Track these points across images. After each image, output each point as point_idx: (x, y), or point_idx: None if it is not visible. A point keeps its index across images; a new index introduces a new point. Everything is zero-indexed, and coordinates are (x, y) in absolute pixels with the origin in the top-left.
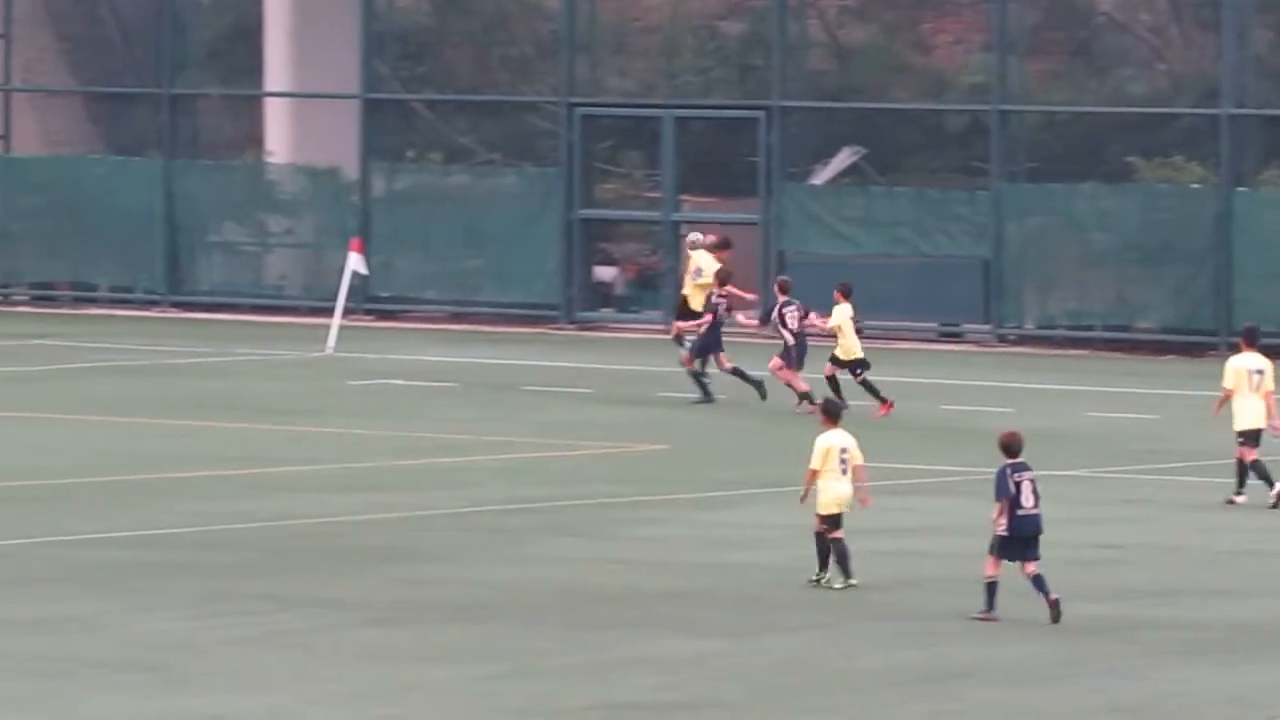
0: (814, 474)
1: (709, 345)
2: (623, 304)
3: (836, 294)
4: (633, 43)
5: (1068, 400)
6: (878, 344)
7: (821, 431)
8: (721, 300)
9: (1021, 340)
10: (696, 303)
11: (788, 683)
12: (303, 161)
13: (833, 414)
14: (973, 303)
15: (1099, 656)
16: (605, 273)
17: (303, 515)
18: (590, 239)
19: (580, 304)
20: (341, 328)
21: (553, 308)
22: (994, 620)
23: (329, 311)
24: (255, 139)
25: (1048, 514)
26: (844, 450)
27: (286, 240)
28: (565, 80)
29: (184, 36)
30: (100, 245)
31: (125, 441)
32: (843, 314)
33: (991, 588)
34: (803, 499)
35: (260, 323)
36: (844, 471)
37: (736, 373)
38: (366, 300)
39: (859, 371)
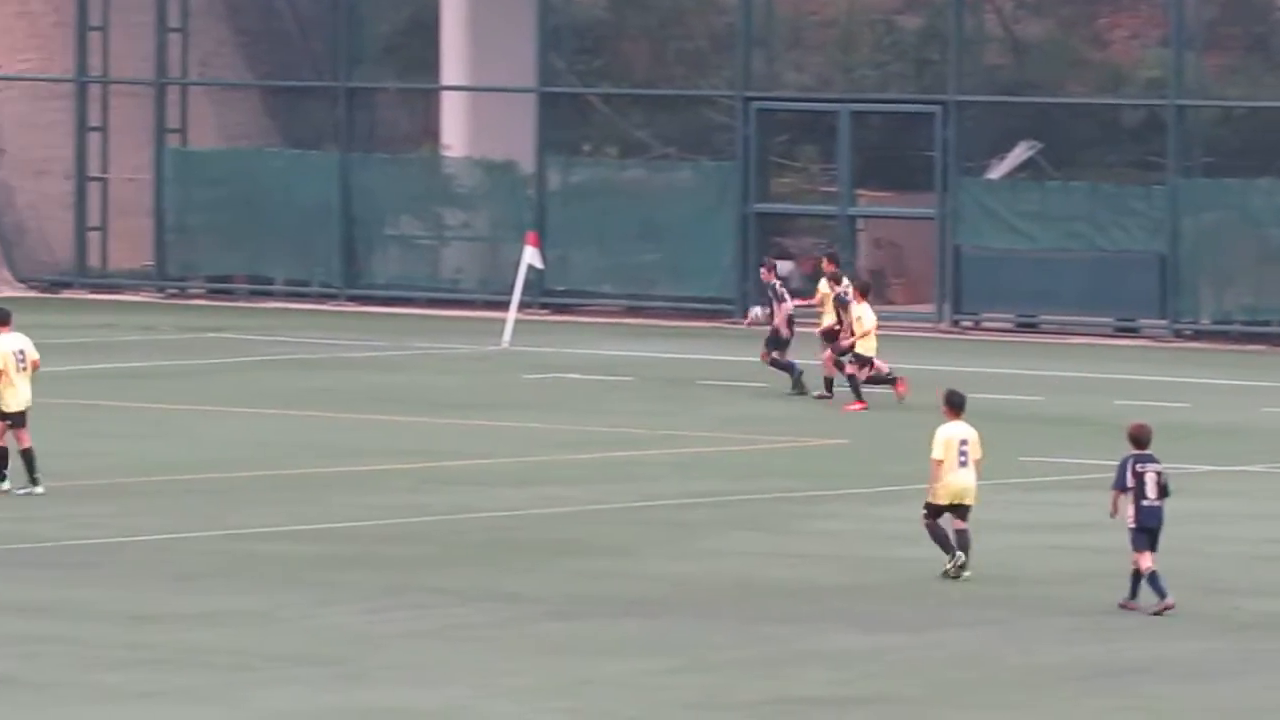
0: (939, 465)
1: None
2: (798, 298)
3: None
4: (809, 36)
5: (1244, 395)
6: (1052, 339)
7: (942, 423)
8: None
9: (1197, 335)
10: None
11: (964, 677)
12: (479, 155)
13: (955, 405)
14: (1148, 298)
15: (1275, 653)
16: (782, 267)
17: (478, 509)
18: (766, 233)
19: (755, 298)
20: (517, 322)
21: (728, 302)
22: (1133, 609)
23: (504, 305)
24: (431, 132)
25: (1224, 510)
26: (964, 442)
27: (462, 234)
28: (741, 74)
29: (361, 30)
30: (276, 238)
31: (300, 435)
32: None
33: (1138, 577)
34: (929, 489)
35: (436, 316)
36: (963, 463)
37: (775, 363)
38: (542, 294)
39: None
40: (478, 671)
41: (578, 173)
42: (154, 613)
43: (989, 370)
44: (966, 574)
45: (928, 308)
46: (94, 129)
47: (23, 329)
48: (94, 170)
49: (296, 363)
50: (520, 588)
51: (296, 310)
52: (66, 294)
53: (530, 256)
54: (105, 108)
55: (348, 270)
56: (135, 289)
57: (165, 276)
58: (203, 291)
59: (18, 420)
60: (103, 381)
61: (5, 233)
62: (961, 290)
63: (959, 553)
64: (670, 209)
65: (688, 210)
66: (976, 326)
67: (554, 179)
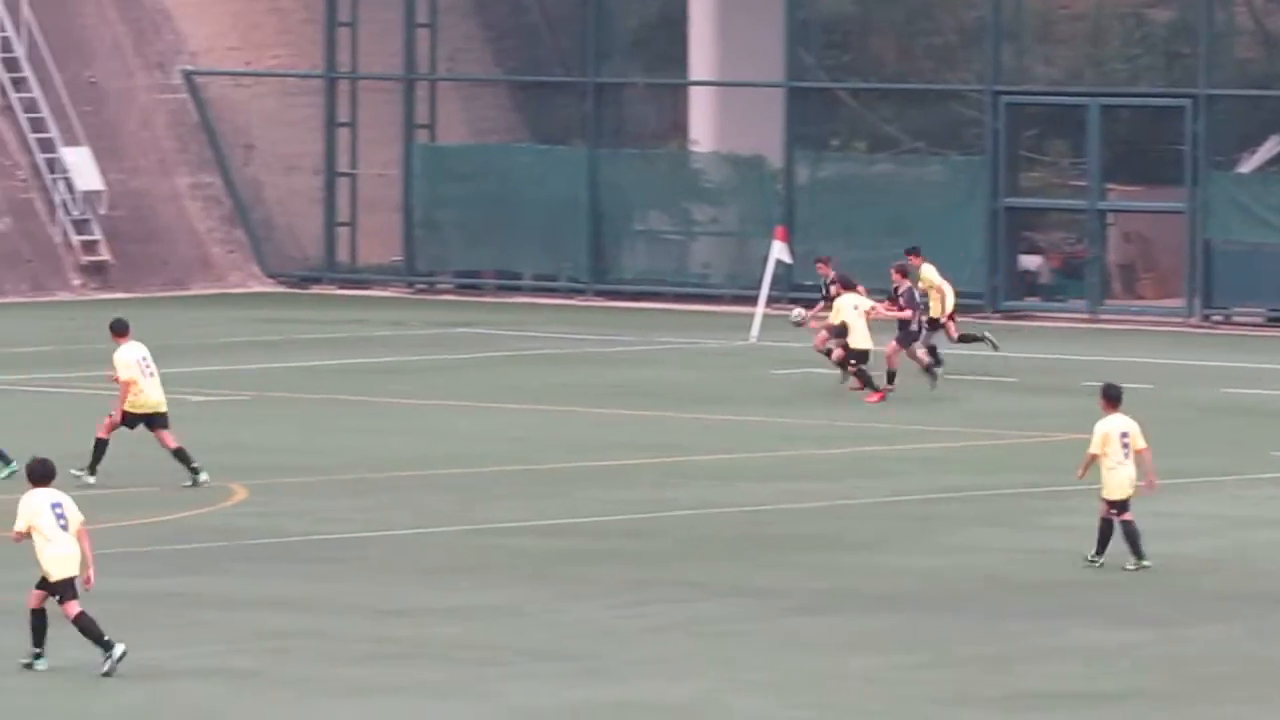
0: (1093, 458)
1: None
2: (1048, 293)
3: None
4: (1059, 30)
5: None
6: None
7: (1101, 416)
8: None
9: None
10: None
11: (1216, 673)
12: (726, 150)
13: (1113, 398)
14: None
15: None
16: (1030, 261)
17: (725, 504)
18: (1015, 228)
19: (1005, 293)
20: (765, 316)
21: (977, 296)
22: None
23: (752, 300)
24: (679, 127)
25: None
26: (1124, 434)
27: (710, 229)
28: (990, 68)
29: (609, 25)
30: (524, 234)
31: (547, 429)
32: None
33: None
34: (1080, 476)
35: (683, 311)
36: (1126, 455)
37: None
38: (790, 289)
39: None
40: (724, 666)
41: (826, 167)
42: (400, 607)
43: (1239, 365)
44: (1146, 563)
45: (1177, 302)
46: (343, 125)
47: (272, 324)
48: (343, 166)
49: (544, 358)
50: (766, 582)
51: (544, 305)
52: (315, 289)
53: (778, 251)
54: (354, 103)
55: (595, 265)
56: (384, 284)
57: (414, 272)
58: (451, 287)
59: (157, 423)
60: (352, 377)
61: (254, 228)
62: (1212, 284)
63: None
64: (919, 203)
65: (936, 205)
66: (1227, 321)
67: (802, 174)
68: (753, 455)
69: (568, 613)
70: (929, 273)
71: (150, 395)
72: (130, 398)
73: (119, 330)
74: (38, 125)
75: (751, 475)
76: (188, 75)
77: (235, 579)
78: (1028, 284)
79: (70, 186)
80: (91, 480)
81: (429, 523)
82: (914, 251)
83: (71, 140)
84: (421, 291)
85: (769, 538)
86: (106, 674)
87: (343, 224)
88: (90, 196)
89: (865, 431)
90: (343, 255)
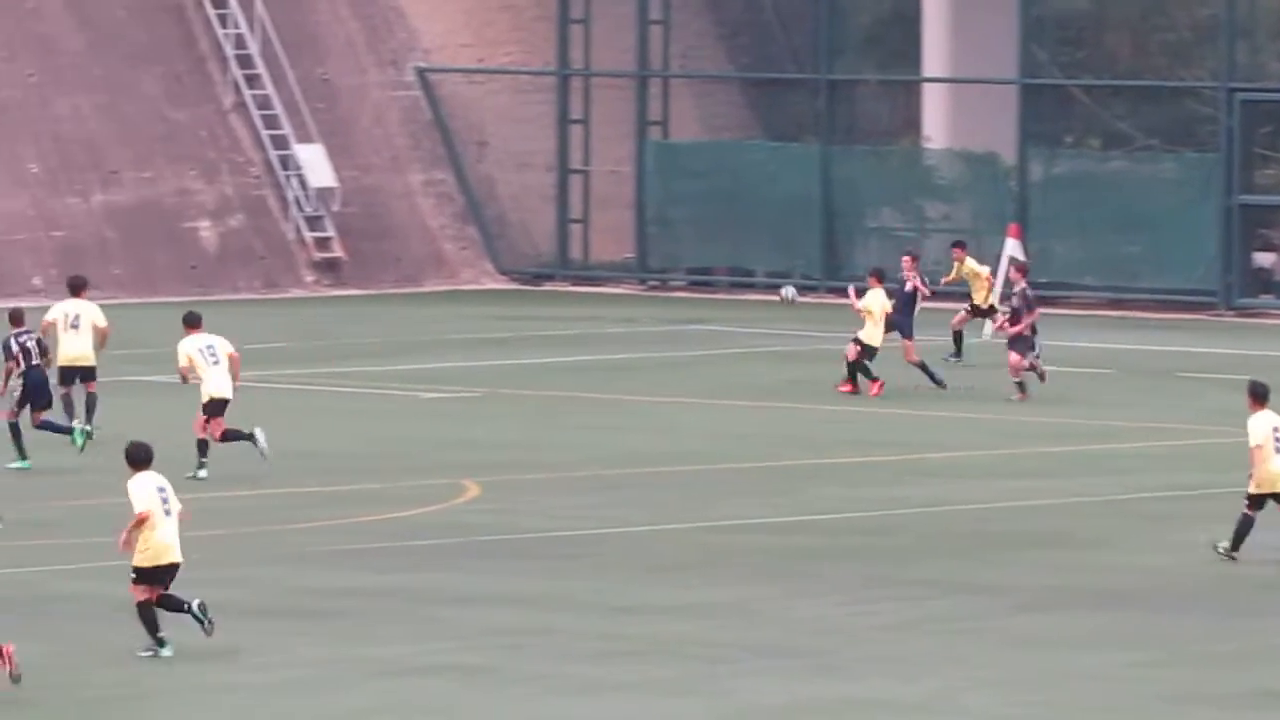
0: (1258, 450)
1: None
2: None
3: (872, 279)
4: None
5: None
6: None
7: (1251, 414)
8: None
9: None
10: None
11: None
12: (959, 147)
13: (1259, 395)
14: None
15: None
16: (1265, 259)
17: (956, 501)
18: (1249, 225)
19: (1239, 290)
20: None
21: (1211, 294)
22: None
23: None
24: (912, 124)
25: None
26: (1276, 429)
27: (943, 226)
28: (1225, 65)
29: (842, 22)
30: (757, 230)
31: (780, 426)
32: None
33: None
34: (1251, 477)
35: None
36: (1278, 449)
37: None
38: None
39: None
40: (955, 663)
41: (1060, 164)
42: (632, 604)
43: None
44: (1234, 555)
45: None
46: (575, 121)
47: (504, 321)
48: (575, 163)
49: (776, 354)
50: (997, 580)
51: (777, 302)
52: (548, 286)
53: (1012, 249)
54: (587, 100)
55: (828, 262)
56: (616, 281)
57: (646, 269)
58: (683, 284)
59: (210, 409)
60: (585, 374)
61: (487, 225)
62: None
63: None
64: (1152, 201)
65: (1170, 202)
66: None
67: (1036, 171)
68: (984, 453)
69: (799, 610)
70: (971, 263)
71: (209, 384)
72: (202, 387)
73: (190, 322)
74: (271, 122)
75: (982, 473)
76: (421, 72)
77: (468, 576)
78: (1262, 281)
79: (303, 183)
80: (204, 475)
81: (661, 520)
82: (960, 245)
83: (305, 137)
84: (654, 288)
85: (999, 535)
86: (145, 654)
87: (575, 221)
88: (323, 193)
89: (1097, 429)
90: (575, 252)
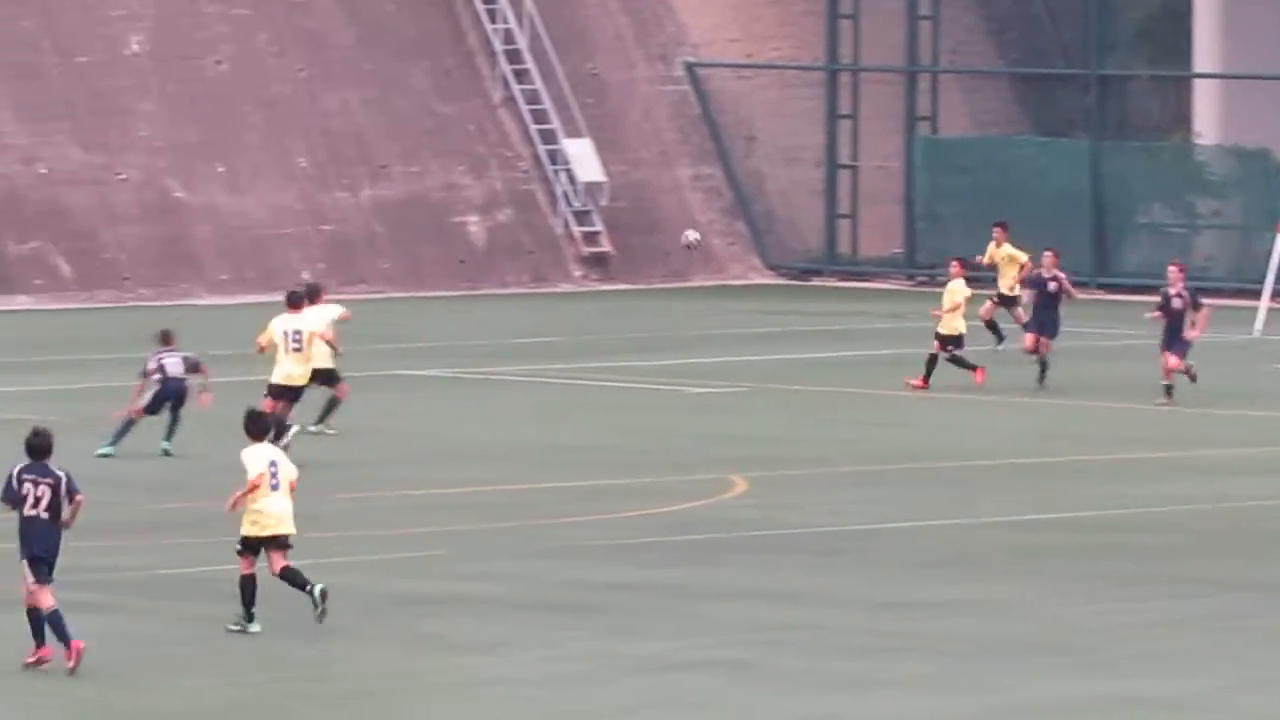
0: None
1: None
2: None
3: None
4: None
5: None
6: None
7: None
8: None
9: None
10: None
11: None
12: (1231, 143)
13: None
14: None
15: None
16: None
17: (1229, 498)
18: None
19: None
20: (1270, 310)
21: None
22: None
23: (1256, 294)
24: (1183, 120)
25: None
26: None
27: (1214, 222)
28: None
29: (1112, 17)
30: (1026, 226)
31: (1046, 423)
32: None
33: None
34: None
35: None
36: None
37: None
38: None
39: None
40: (1227, 662)
41: None
42: (896, 600)
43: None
44: None
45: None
46: (844, 116)
47: (772, 316)
48: (844, 158)
49: None
50: (1272, 578)
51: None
52: (815, 281)
53: None
54: (855, 95)
55: (1097, 258)
56: (884, 276)
57: (914, 264)
58: None
59: (273, 392)
60: (852, 369)
61: (755, 220)
62: None
63: None
64: None
65: None
66: None
67: None
68: (1258, 450)
69: (1064, 607)
70: (1009, 247)
71: (283, 367)
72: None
73: (290, 301)
74: (540, 117)
75: (1257, 470)
76: (689, 67)
77: (733, 571)
78: None
79: (572, 178)
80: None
81: (925, 515)
82: (1001, 225)
83: (573, 132)
84: (922, 284)
85: (1274, 533)
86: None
87: (843, 216)
88: (592, 188)
89: None
90: (843, 247)
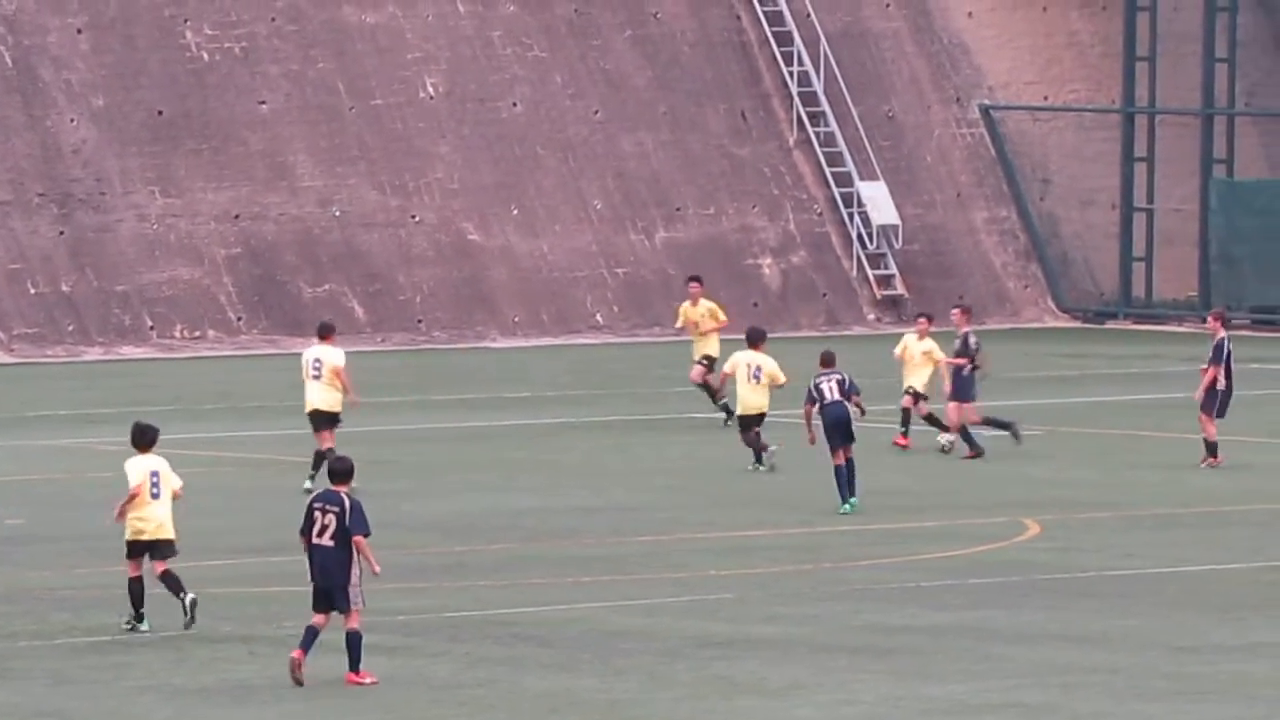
0: None
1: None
2: None
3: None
4: None
5: None
6: None
7: None
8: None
9: None
10: None
11: None
12: None
13: None
14: None
15: None
16: None
17: None
18: None
19: None
20: None
21: None
22: None
23: None
24: None
25: None
26: None
27: None
28: None
29: None
30: None
31: None
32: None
33: None
34: None
35: None
36: None
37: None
38: None
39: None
40: None
41: None
42: (1196, 644)
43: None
44: None
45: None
46: (1140, 159)
47: (1066, 359)
48: (1139, 200)
49: None
50: None
51: None
52: (1110, 324)
53: None
54: (1151, 138)
55: None
56: (1179, 319)
57: (1209, 307)
58: (1247, 322)
59: (315, 422)
60: (1147, 412)
61: (1050, 263)
62: None
63: None
64: None
65: None
66: None
67: None
68: None
69: None
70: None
71: (307, 396)
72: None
73: (320, 332)
74: (834, 159)
75: None
76: (985, 110)
77: (1029, 613)
78: None
79: (866, 220)
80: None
81: (1224, 559)
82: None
83: (868, 174)
84: None
85: None
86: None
87: (1138, 259)
88: (886, 230)
89: None
90: (1138, 290)
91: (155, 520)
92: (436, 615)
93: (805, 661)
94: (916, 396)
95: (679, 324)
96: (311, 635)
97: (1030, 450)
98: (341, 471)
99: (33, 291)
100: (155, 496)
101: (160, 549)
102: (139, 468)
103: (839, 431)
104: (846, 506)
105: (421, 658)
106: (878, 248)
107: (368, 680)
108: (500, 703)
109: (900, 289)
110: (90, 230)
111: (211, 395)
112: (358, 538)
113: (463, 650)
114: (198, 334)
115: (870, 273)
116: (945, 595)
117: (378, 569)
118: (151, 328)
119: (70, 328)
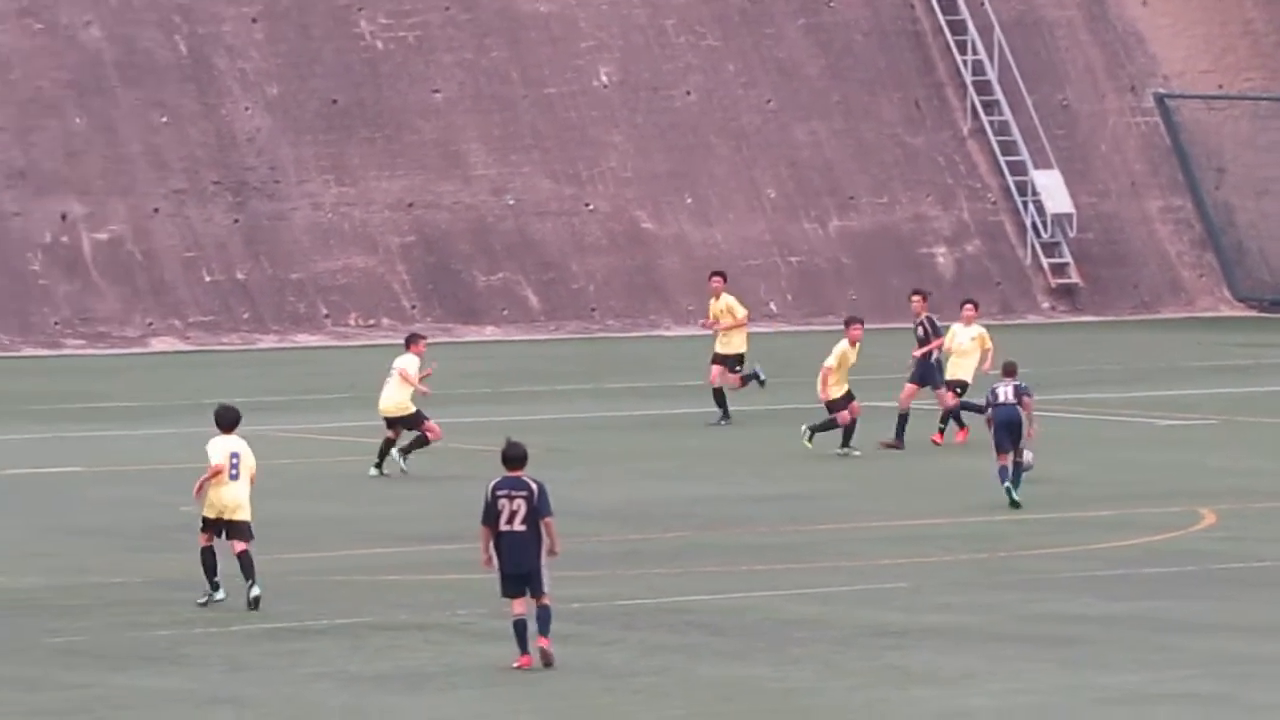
0: None
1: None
2: None
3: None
4: None
5: None
6: None
7: None
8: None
9: None
10: None
11: None
12: None
13: None
14: None
15: None
16: None
17: None
18: None
19: None
20: None
21: None
22: None
23: None
24: None
25: None
26: None
27: None
28: None
29: None
30: None
31: None
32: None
33: None
34: None
35: None
36: None
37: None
38: None
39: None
40: None
41: None
42: None
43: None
44: None
45: None
46: None
47: (1241, 348)
48: None
49: None
50: None
51: None
52: None
53: None
54: None
55: None
56: None
57: None
58: None
59: (399, 423)
60: None
61: (1225, 252)
62: None
63: None
64: None
65: None
66: None
67: None
68: None
69: None
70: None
71: (381, 398)
72: None
73: (407, 342)
74: (1008, 148)
75: None
76: (1160, 98)
77: (1202, 604)
78: None
79: (1040, 209)
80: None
81: None
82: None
83: (1042, 163)
84: None
85: None
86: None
87: None
88: (1060, 219)
89: None
90: None
91: (235, 500)
92: (610, 603)
93: (979, 651)
94: (956, 392)
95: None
96: (522, 630)
97: (1205, 439)
98: (518, 457)
99: (208, 279)
100: (234, 477)
101: (238, 529)
102: (221, 448)
103: (1009, 433)
104: (1014, 496)
105: (595, 646)
106: (1052, 236)
107: (546, 645)
108: (674, 691)
109: (1075, 278)
110: (265, 218)
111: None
112: (547, 519)
113: (636, 638)
114: (371, 322)
115: (1044, 261)
116: (1119, 585)
117: (559, 550)
118: (326, 316)
119: (245, 315)
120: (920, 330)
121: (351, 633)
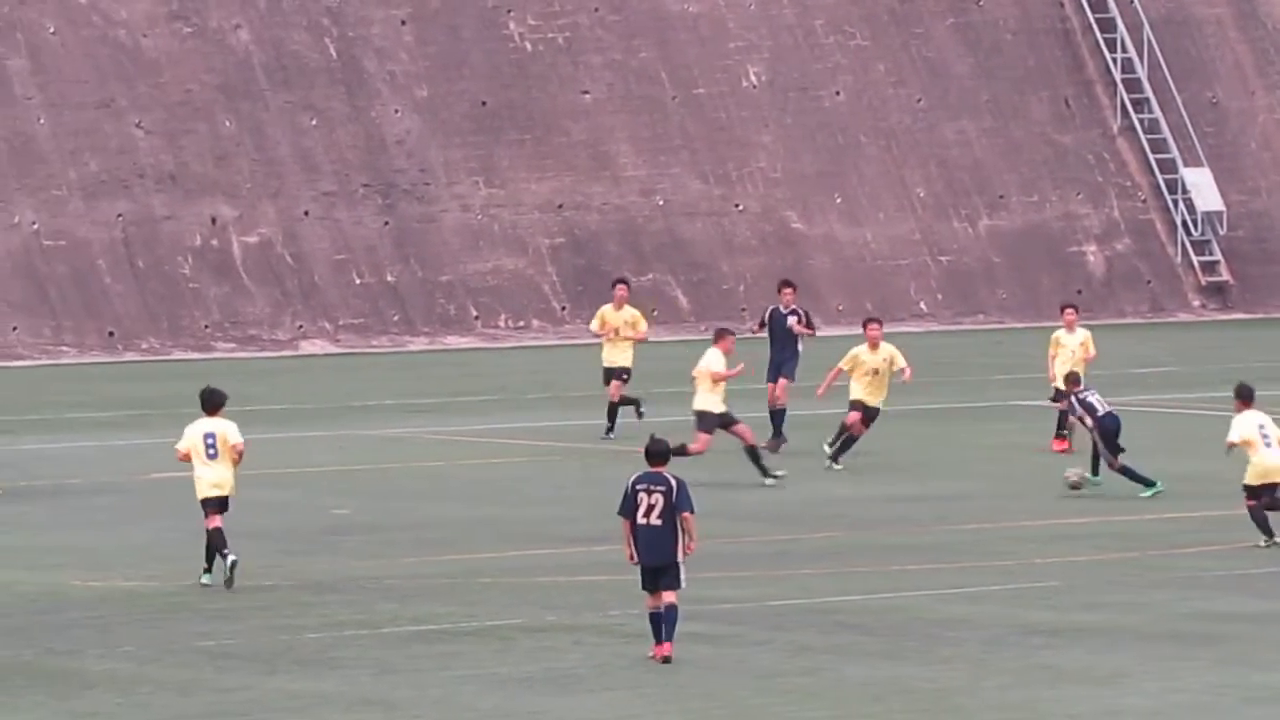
0: (1246, 446)
1: None
2: None
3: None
4: None
5: None
6: None
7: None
8: None
9: None
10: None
11: None
12: None
13: (1244, 396)
14: None
15: None
16: None
17: None
18: None
19: None
20: None
21: None
22: None
23: None
24: None
25: None
26: (1262, 426)
27: None
28: None
29: None
30: None
31: None
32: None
33: None
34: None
35: None
36: (1267, 444)
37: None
38: None
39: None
40: None
41: None
42: None
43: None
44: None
45: None
46: None
47: None
48: None
49: None
50: None
51: None
52: None
53: None
54: None
55: None
56: None
57: None
58: None
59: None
60: None
61: None
62: None
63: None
64: None
65: None
66: None
67: None
68: None
69: None
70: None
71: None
72: None
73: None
74: (1158, 146)
75: None
76: None
77: None
78: None
79: (1191, 207)
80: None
81: None
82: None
83: (1193, 161)
84: None
85: None
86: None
87: None
88: (1210, 217)
89: None
90: None
91: (219, 478)
92: (759, 604)
93: (1131, 649)
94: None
95: (595, 327)
96: (658, 621)
97: None
98: (660, 453)
99: (358, 282)
100: (212, 457)
101: (220, 504)
102: (194, 431)
103: (1116, 438)
104: (1148, 491)
105: (744, 646)
106: (1202, 234)
107: (668, 651)
108: (824, 691)
109: (1225, 275)
110: (414, 221)
111: (535, 385)
112: (686, 514)
113: (786, 639)
114: (521, 324)
115: (1195, 259)
116: (1271, 583)
117: (694, 547)
118: (476, 317)
119: (395, 318)
120: (796, 320)
121: (500, 635)
